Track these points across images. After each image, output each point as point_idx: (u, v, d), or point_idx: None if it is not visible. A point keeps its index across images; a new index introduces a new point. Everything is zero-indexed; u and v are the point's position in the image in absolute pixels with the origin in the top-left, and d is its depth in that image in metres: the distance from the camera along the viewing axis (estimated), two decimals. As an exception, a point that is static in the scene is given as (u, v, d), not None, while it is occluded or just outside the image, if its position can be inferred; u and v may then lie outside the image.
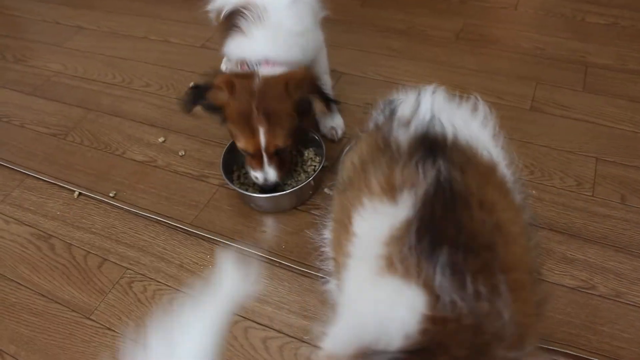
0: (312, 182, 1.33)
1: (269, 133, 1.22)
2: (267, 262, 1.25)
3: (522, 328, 0.57)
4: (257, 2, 1.27)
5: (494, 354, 0.54)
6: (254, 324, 1.14)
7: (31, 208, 1.47)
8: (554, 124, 1.53)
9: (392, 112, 0.80)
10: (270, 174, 1.29)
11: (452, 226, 0.62)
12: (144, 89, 1.83)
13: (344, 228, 0.74)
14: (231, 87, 1.21)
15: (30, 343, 1.17)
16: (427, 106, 0.77)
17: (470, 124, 0.79)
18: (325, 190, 1.39)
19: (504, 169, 0.75)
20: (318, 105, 1.27)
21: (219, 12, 1.38)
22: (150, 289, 1.24)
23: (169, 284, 1.24)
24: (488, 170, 0.72)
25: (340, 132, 1.50)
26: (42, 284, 1.28)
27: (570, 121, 1.54)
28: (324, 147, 1.40)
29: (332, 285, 0.92)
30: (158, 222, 1.38)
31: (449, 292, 0.56)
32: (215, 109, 1.25)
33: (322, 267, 0.96)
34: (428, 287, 0.57)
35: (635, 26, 1.89)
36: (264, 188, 1.31)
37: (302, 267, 1.23)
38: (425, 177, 0.66)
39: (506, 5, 2.06)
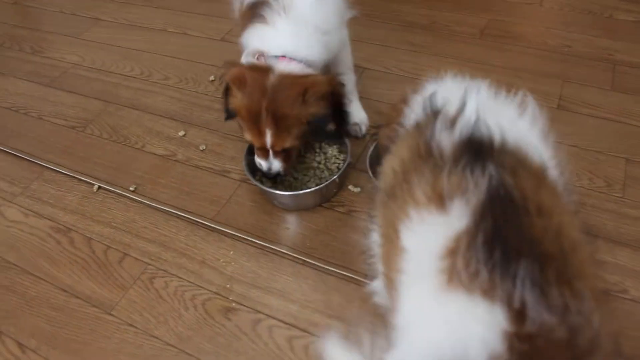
0: (336, 180, 1.30)
1: (276, 136, 1.18)
2: (290, 260, 1.23)
3: (612, 336, 0.54)
4: None
5: None
6: (279, 323, 1.12)
7: (50, 201, 1.45)
8: (582, 123, 1.50)
9: (435, 112, 0.76)
10: (274, 164, 1.25)
11: (517, 235, 0.58)
12: (163, 82, 1.80)
13: (391, 242, 0.71)
14: (240, 83, 1.16)
15: (51, 338, 1.15)
16: (473, 106, 0.73)
17: (519, 124, 0.75)
18: (350, 187, 1.36)
19: (554, 171, 0.72)
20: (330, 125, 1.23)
21: (242, 1, 1.35)
22: (172, 285, 1.22)
23: (190, 281, 1.22)
24: (539, 174, 0.68)
25: (364, 129, 1.47)
26: (62, 278, 1.26)
27: (599, 120, 1.50)
28: (348, 144, 1.37)
29: (380, 297, 0.88)
30: (179, 217, 1.35)
31: (534, 305, 0.53)
32: (230, 113, 1.21)
33: (368, 272, 0.93)
34: (507, 301, 0.54)
35: (664, 24, 1.85)
36: (267, 175, 1.28)
37: (327, 266, 1.20)
38: (476, 184, 0.63)
39: (531, 2, 2.02)
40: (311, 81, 1.16)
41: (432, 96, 0.81)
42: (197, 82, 1.77)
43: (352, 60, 1.47)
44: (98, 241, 1.33)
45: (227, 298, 1.18)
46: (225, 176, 1.45)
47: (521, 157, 0.69)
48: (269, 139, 1.18)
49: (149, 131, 1.62)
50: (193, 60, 1.87)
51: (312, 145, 1.42)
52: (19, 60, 2.02)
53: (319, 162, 1.39)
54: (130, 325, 1.16)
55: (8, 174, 1.54)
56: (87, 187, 1.47)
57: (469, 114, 0.72)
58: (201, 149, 1.53)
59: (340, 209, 1.32)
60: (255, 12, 1.26)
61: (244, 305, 1.16)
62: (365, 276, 1.16)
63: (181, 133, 1.59)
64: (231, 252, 1.26)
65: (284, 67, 1.17)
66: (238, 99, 1.17)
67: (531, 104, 0.78)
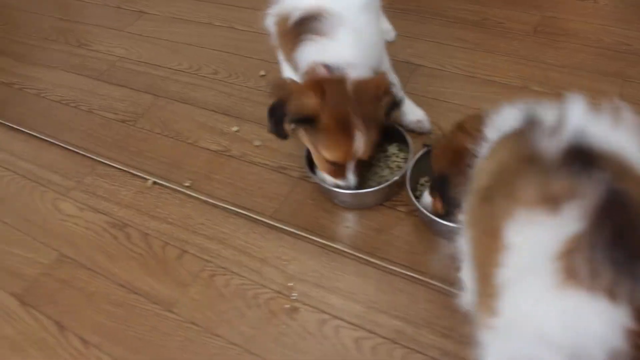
0: (398, 179, 1.27)
1: (367, 139, 1.16)
2: (353, 259, 1.21)
3: None
4: (331, 8, 1.21)
5: None
6: (345, 323, 1.10)
7: (104, 195, 1.44)
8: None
9: (534, 121, 0.77)
10: (352, 181, 1.24)
11: (638, 237, 0.59)
12: (213, 76, 1.78)
13: (490, 240, 0.71)
14: (321, 92, 1.14)
15: (112, 334, 1.15)
16: (574, 116, 0.74)
17: (618, 133, 0.75)
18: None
19: None
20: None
21: (284, 18, 1.30)
22: (233, 283, 1.20)
23: (252, 279, 1.20)
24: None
25: (428, 124, 1.44)
26: (120, 274, 1.26)
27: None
28: (410, 143, 1.33)
29: (467, 298, 0.87)
30: (237, 214, 1.34)
31: None
32: (305, 118, 1.17)
33: (458, 280, 0.91)
34: (631, 300, 0.56)
35: None
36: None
37: (391, 265, 1.18)
38: (589, 188, 0.64)
39: (585, -2, 1.96)
40: (380, 80, 1.19)
41: (527, 107, 0.82)
42: (247, 77, 1.75)
43: (389, 60, 1.47)
44: (155, 237, 1.32)
45: (290, 297, 1.16)
46: (282, 173, 1.42)
47: (626, 166, 0.69)
48: (359, 145, 1.16)
49: (201, 126, 1.60)
50: (241, 55, 1.85)
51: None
52: (66, 53, 2.02)
53: (379, 160, 1.37)
54: (192, 323, 1.14)
55: (61, 167, 1.54)
56: (141, 182, 1.46)
57: (571, 123, 0.74)
58: (256, 144, 1.51)
59: (402, 209, 1.29)
60: (306, 28, 1.23)
61: (308, 305, 1.14)
62: (432, 277, 1.14)
63: (234, 128, 1.57)
64: (292, 251, 1.24)
65: (354, 74, 1.17)
66: (323, 109, 1.14)
67: (627, 113, 0.78)
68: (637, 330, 0.56)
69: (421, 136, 1.44)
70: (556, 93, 1.53)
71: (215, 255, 1.26)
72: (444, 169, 1.01)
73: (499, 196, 0.73)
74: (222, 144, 1.53)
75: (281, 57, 1.46)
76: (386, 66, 1.44)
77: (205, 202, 1.38)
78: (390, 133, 1.36)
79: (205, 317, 1.15)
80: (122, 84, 1.82)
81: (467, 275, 0.84)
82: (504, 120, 0.85)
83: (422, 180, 1.31)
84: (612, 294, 0.57)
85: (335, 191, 1.27)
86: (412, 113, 1.44)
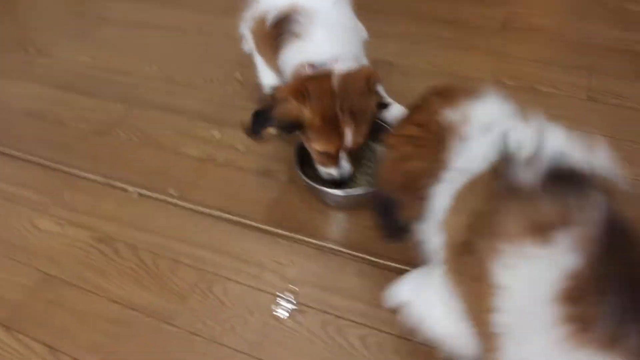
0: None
1: (356, 132, 1.17)
2: (350, 259, 1.22)
3: None
4: (304, 5, 1.23)
5: None
6: (349, 322, 1.10)
7: (86, 210, 1.39)
8: (613, 112, 1.53)
9: (508, 153, 0.70)
10: (346, 169, 1.26)
11: None
12: (187, 82, 1.75)
13: (480, 284, 0.64)
14: (302, 96, 1.14)
15: (111, 352, 1.11)
16: (550, 140, 0.68)
17: (595, 156, 0.70)
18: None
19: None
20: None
21: (260, 21, 1.31)
22: (233, 290, 1.18)
23: (251, 285, 1.19)
24: (629, 198, 0.65)
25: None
26: (113, 290, 1.21)
27: (629, 111, 1.53)
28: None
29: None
30: (228, 220, 1.32)
31: None
32: (292, 123, 1.17)
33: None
34: None
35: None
36: (340, 182, 1.27)
37: (389, 262, 1.19)
38: (580, 212, 0.58)
39: (544, -7, 2.05)
40: (367, 72, 1.19)
41: (500, 138, 0.74)
42: (222, 82, 1.73)
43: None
44: (145, 249, 1.28)
45: (292, 300, 1.15)
46: (269, 177, 1.42)
47: (611, 185, 0.65)
48: (349, 137, 1.17)
49: (181, 133, 1.57)
50: (214, 59, 1.83)
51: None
52: (26, 63, 1.93)
53: (368, 159, 1.38)
54: (195, 334, 1.12)
55: (34, 183, 1.47)
56: (124, 193, 1.42)
57: (548, 146, 0.67)
58: (241, 150, 1.49)
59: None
60: (282, 30, 1.24)
61: (311, 307, 1.14)
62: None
63: (217, 134, 1.54)
64: (289, 254, 1.24)
65: (339, 67, 1.17)
66: (306, 111, 1.14)
67: (601, 144, 0.72)
68: None
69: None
70: (530, 87, 1.62)
71: (210, 263, 1.24)
72: (391, 192, 0.91)
73: (481, 241, 0.66)
74: (205, 150, 1.51)
75: (259, 62, 1.46)
76: (364, 61, 1.45)
77: (194, 210, 1.35)
78: (377, 130, 1.38)
79: (207, 327, 1.13)
80: (92, 93, 1.75)
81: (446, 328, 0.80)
82: (472, 156, 0.76)
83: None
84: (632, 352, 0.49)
85: (327, 192, 1.28)
86: (395, 109, 1.46)
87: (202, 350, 1.09)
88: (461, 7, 1.97)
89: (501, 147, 0.71)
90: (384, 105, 1.28)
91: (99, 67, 1.86)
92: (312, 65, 1.20)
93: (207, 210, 1.34)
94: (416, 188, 0.81)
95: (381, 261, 1.20)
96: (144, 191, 1.40)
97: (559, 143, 0.68)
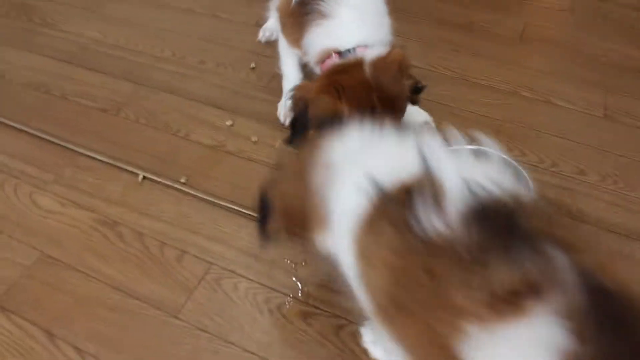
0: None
1: (395, 120, 1.13)
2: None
3: None
4: None
5: None
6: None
7: (89, 190, 1.33)
8: (631, 133, 1.52)
9: (412, 202, 0.56)
10: None
11: None
12: (200, 66, 1.69)
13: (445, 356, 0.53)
14: (336, 91, 1.10)
15: (111, 342, 1.06)
16: (450, 169, 0.56)
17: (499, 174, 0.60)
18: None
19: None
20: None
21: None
22: (242, 286, 1.14)
23: (262, 282, 1.15)
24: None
25: (434, 126, 1.43)
26: (115, 276, 1.16)
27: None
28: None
29: None
30: (239, 213, 1.27)
31: None
32: (331, 119, 1.11)
33: None
34: None
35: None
36: None
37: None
38: (547, 277, 0.48)
39: (564, 8, 2.04)
40: (397, 55, 1.15)
41: (373, 179, 0.63)
42: (236, 69, 1.67)
43: None
44: (151, 236, 1.23)
45: (304, 301, 1.12)
46: (284, 171, 1.37)
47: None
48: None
49: (191, 119, 1.51)
50: (228, 45, 1.77)
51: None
52: (30, 32, 1.85)
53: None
54: (202, 330, 1.07)
55: (36, 158, 1.41)
56: (130, 176, 1.36)
57: (452, 181, 0.55)
58: (253, 140, 1.44)
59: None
60: (308, 8, 1.19)
61: (323, 310, 1.11)
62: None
63: (228, 122, 1.49)
64: (301, 252, 1.20)
65: (370, 54, 1.13)
66: (342, 106, 1.09)
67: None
68: None
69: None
70: (545, 100, 1.60)
71: (219, 256, 1.19)
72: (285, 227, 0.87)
73: (423, 311, 0.55)
74: (216, 138, 1.45)
75: (283, 48, 1.41)
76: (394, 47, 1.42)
77: (203, 199, 1.30)
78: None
79: (215, 324, 1.08)
80: (98, 69, 1.68)
81: None
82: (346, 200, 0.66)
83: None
84: None
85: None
86: (418, 114, 1.43)
87: (209, 347, 1.04)
88: (479, 15, 1.95)
89: (375, 189, 0.61)
90: (419, 89, 1.22)
91: (108, 44, 1.79)
92: (338, 53, 1.16)
93: (217, 201, 1.29)
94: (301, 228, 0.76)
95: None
96: (151, 175, 1.35)
97: (475, 171, 0.56)
